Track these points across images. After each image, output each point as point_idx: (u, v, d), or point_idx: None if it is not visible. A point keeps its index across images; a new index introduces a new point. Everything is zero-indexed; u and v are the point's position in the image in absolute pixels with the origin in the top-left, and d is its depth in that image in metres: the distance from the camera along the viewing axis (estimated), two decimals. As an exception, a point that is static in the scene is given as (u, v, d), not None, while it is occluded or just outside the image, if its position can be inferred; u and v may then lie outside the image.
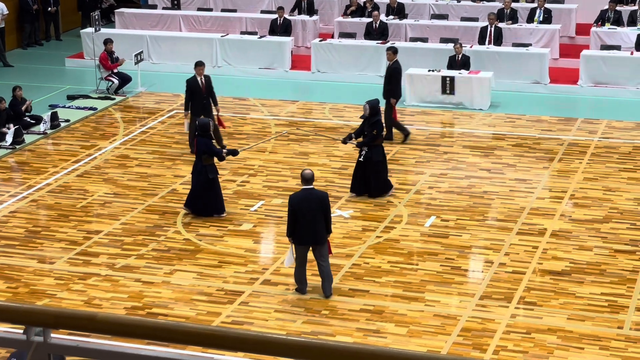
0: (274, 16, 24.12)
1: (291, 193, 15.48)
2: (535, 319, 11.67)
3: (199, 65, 17.14)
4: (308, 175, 12.19)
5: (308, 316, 11.82)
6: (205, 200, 14.67)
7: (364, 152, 15.09)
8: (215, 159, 14.68)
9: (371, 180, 15.14)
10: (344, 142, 15.80)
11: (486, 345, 11.08)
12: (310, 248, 12.09)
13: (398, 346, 10.99)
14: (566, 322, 11.61)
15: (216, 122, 16.79)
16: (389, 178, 15.47)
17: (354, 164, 15.52)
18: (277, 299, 12.24)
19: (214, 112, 17.07)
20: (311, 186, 12.16)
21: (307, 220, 11.91)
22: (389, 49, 18.28)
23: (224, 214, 14.78)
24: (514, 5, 24.03)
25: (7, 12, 24.60)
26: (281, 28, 23.75)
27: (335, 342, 3.27)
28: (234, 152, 15.21)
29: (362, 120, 15.48)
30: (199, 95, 16.98)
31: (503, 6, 23.78)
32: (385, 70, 18.51)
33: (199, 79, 17.05)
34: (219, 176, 14.82)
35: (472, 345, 11.11)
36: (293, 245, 12.08)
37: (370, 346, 3.24)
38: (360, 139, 15.25)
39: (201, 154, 14.55)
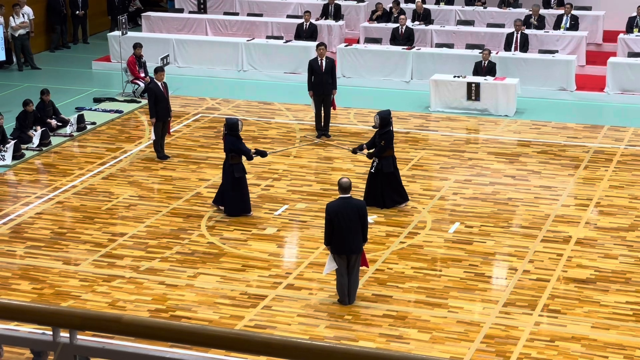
0: (300, 21, 24.17)
1: (315, 198, 15.58)
2: (559, 327, 11.61)
3: (160, 71, 17.62)
4: (345, 184, 12.10)
5: (331, 321, 11.83)
6: (230, 199, 14.78)
7: (375, 164, 15.06)
8: (244, 159, 14.82)
9: (383, 191, 15.07)
10: (354, 152, 15.84)
11: (509, 352, 11.04)
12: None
13: (421, 352, 10.98)
14: (590, 330, 11.55)
15: (167, 128, 17.63)
16: (405, 190, 15.33)
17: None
18: (300, 303, 12.25)
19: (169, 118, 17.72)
20: (348, 195, 12.09)
21: (344, 229, 11.84)
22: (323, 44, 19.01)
23: (250, 214, 14.86)
24: (540, 11, 23.94)
25: (34, 16, 24.81)
26: (307, 33, 23.81)
27: (358, 347, 3.28)
28: (263, 153, 15.29)
29: (375, 130, 15.44)
30: (163, 100, 17.35)
31: (531, 13, 23.69)
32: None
33: (159, 84, 17.35)
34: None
35: (496, 352, 11.07)
36: (332, 254, 12.04)
37: (392, 352, 3.24)
38: (371, 150, 15.22)
39: (229, 152, 14.67)
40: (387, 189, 15.05)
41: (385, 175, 14.98)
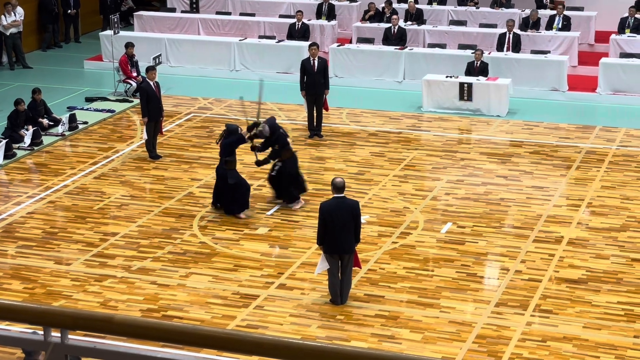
0: (292, 20, 24.17)
1: (307, 198, 15.57)
2: (550, 327, 11.63)
3: (152, 70, 17.52)
4: (339, 184, 12.08)
5: (323, 321, 11.82)
6: (229, 200, 14.78)
7: (276, 168, 15.12)
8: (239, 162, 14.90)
9: (288, 187, 15.17)
10: (252, 148, 15.50)
11: (501, 352, 11.06)
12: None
13: (413, 352, 10.98)
14: (582, 330, 11.57)
15: (159, 127, 17.51)
16: (303, 184, 15.34)
17: (369, 169, 15.48)
18: (292, 303, 12.25)
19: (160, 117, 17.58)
20: (342, 195, 12.08)
21: (338, 229, 11.83)
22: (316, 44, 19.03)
23: (243, 215, 14.83)
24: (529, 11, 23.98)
25: (22, 17, 24.69)
26: (299, 32, 23.81)
27: (350, 348, 3.27)
28: (256, 125, 15.27)
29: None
30: (154, 100, 17.27)
31: (529, 16, 23.67)
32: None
33: (151, 83, 17.31)
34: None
35: (487, 352, 11.08)
36: (324, 254, 12.02)
37: (385, 352, 3.24)
38: (266, 156, 15.29)
39: (225, 157, 14.67)
40: (290, 186, 15.17)
41: (290, 175, 15.08)
